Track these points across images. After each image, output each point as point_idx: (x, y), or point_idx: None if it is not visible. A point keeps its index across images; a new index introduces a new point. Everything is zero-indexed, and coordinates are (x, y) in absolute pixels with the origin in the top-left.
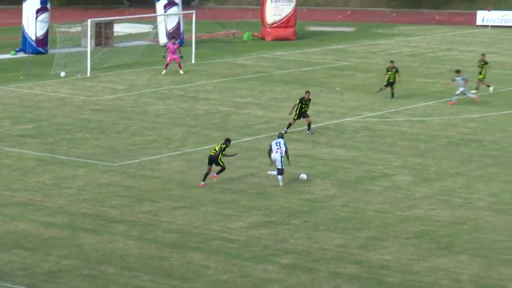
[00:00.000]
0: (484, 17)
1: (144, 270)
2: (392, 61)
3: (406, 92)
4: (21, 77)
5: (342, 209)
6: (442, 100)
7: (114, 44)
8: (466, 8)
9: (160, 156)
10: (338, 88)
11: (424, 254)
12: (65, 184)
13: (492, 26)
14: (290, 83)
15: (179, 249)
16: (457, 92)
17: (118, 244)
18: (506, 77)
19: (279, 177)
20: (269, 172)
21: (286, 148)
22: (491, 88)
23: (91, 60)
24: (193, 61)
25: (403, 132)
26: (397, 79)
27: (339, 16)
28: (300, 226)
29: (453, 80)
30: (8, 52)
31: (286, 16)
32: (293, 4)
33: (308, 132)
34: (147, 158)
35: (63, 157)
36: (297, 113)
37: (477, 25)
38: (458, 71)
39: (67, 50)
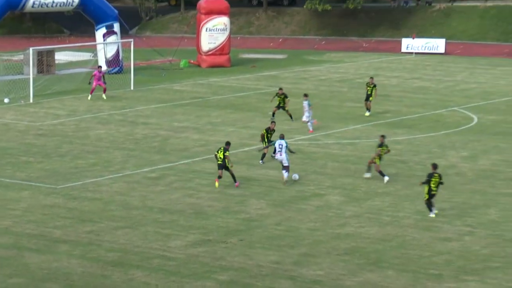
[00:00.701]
0: (409, 44)
1: (87, 287)
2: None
3: (336, 116)
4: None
5: (277, 227)
6: (370, 124)
7: (56, 72)
8: (391, 36)
9: (101, 178)
10: (270, 113)
11: (354, 269)
12: (10, 206)
13: (416, 53)
14: (226, 108)
15: (121, 267)
16: (304, 119)
17: (62, 263)
18: (428, 101)
19: (285, 173)
20: (285, 178)
21: (287, 145)
22: (367, 113)
23: (33, 87)
24: (132, 87)
25: (334, 154)
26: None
27: (271, 43)
28: (237, 244)
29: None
30: None
31: (221, 44)
32: (227, 33)
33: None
34: (89, 181)
35: (7, 180)
36: (265, 141)
37: (402, 52)
38: (305, 95)
39: (10, 77)
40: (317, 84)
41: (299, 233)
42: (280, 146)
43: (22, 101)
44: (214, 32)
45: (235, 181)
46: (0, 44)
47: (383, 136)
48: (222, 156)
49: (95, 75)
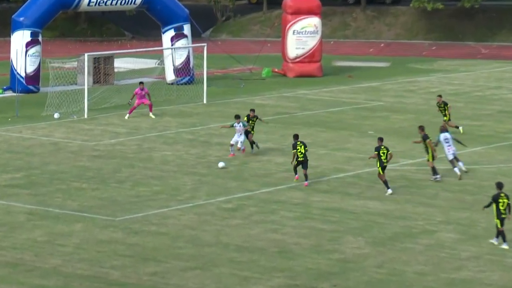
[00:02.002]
0: None
1: None
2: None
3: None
4: (9, 119)
5: (378, 270)
6: (491, 146)
7: (115, 82)
8: None
9: (167, 209)
10: (371, 132)
11: None
12: (59, 241)
13: None
14: (316, 125)
15: None
16: (232, 143)
17: None
18: None
19: (461, 164)
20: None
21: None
22: (460, 128)
23: (88, 100)
24: (204, 101)
25: (447, 182)
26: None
27: (371, 49)
28: None
29: (232, 126)
30: None
31: (311, 49)
32: (318, 36)
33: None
34: (152, 212)
35: (57, 210)
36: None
37: None
38: (237, 117)
39: (61, 88)
40: (426, 97)
41: (405, 277)
42: (447, 140)
43: (74, 116)
44: (302, 35)
45: (306, 179)
46: (51, 49)
47: (381, 140)
48: (303, 151)
49: (136, 93)
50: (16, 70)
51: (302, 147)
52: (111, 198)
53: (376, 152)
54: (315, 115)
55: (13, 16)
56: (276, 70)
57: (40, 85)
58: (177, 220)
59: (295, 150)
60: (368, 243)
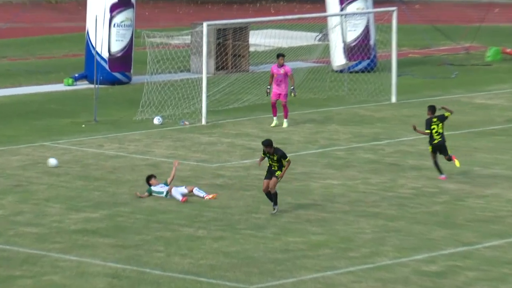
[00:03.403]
0: None
1: None
2: None
3: None
4: (83, 126)
5: None
6: None
7: (250, 68)
8: None
9: (333, 272)
10: None
11: None
12: None
13: None
14: None
15: None
16: None
17: None
18: None
19: None
20: None
21: None
22: None
23: (208, 96)
24: (393, 99)
25: None
26: None
27: None
28: None
29: None
30: (60, 81)
31: None
32: None
33: None
34: (309, 276)
35: (157, 272)
36: None
37: None
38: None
39: (165, 77)
40: None
41: None
42: None
43: (185, 122)
44: None
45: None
46: (147, 16)
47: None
48: (441, 131)
49: (272, 73)
50: (94, 49)
51: (440, 125)
52: (244, 254)
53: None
54: None
55: None
56: (509, 50)
57: (132, 72)
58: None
59: (429, 130)
60: None
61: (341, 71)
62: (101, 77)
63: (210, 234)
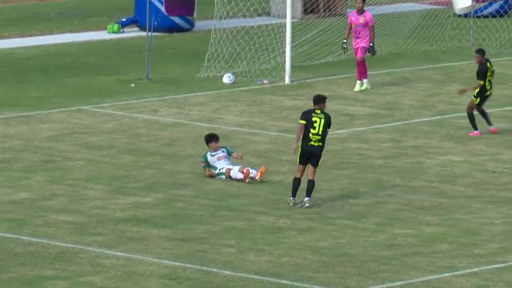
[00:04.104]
0: None
1: None
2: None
3: None
4: (132, 85)
5: None
6: None
7: (348, 10)
8: None
9: (451, 273)
10: None
11: None
12: None
13: None
14: None
15: None
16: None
17: None
18: None
19: None
20: None
21: None
22: None
23: (293, 48)
24: None
25: None
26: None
27: None
28: None
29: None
30: (103, 27)
31: None
32: None
33: None
34: (421, 279)
35: (226, 272)
36: None
37: None
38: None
39: (238, 22)
40: None
41: None
42: None
43: (263, 81)
44: None
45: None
46: None
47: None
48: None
49: (350, 22)
50: None
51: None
52: (338, 250)
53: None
54: None
55: None
56: None
57: (195, 16)
58: None
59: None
60: None
61: (465, 16)
62: (155, 22)
63: (294, 224)
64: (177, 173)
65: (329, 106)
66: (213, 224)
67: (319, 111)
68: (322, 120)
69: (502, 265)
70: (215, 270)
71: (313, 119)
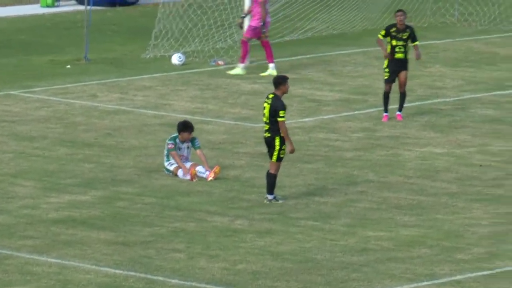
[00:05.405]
0: None
1: None
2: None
3: None
4: (69, 66)
5: None
6: None
7: None
8: None
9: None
10: None
11: None
12: None
13: None
14: None
15: None
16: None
17: None
18: None
19: None
20: None
21: None
22: None
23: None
24: None
25: None
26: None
27: None
28: None
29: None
30: (36, 1)
31: None
32: None
33: None
34: None
35: (174, 281)
36: None
37: None
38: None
39: None
40: None
41: None
42: None
43: (218, 62)
44: None
45: None
46: None
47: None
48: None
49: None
50: None
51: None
52: (303, 255)
53: None
54: None
55: None
56: None
57: None
58: None
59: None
60: None
61: None
62: None
63: (252, 226)
64: (119, 167)
65: (293, 90)
66: (160, 226)
67: (271, 96)
68: (268, 106)
69: (489, 272)
70: (161, 278)
71: (264, 105)
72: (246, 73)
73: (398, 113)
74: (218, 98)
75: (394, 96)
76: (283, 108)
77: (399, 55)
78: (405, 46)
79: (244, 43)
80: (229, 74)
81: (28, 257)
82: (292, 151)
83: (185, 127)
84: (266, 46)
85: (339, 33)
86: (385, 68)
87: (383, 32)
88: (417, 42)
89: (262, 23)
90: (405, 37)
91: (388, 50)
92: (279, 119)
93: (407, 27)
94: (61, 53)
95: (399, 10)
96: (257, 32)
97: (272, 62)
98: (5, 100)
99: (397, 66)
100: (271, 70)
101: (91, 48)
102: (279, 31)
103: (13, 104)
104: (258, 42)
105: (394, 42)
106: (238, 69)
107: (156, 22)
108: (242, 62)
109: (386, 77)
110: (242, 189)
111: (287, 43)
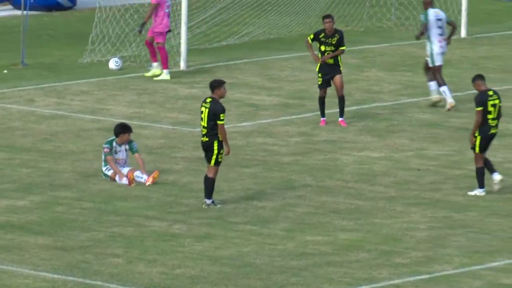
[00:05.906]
0: None
1: None
2: None
3: None
4: (5, 72)
5: None
6: None
7: None
8: None
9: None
10: None
11: None
12: None
13: None
14: None
15: None
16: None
17: None
18: None
19: None
20: None
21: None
22: None
23: (189, 29)
24: (463, 33)
25: None
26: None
27: None
28: None
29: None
30: None
31: None
32: None
33: None
34: None
35: (113, 286)
36: None
37: None
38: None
39: (125, 0)
40: None
41: None
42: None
43: (153, 67)
44: None
45: None
46: None
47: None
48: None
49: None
50: None
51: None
52: (241, 260)
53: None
54: None
55: None
56: None
57: None
58: None
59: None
60: None
61: None
62: (31, 1)
63: (191, 231)
64: (57, 172)
65: (231, 95)
66: (98, 231)
67: (209, 100)
68: (206, 110)
69: (427, 276)
70: (99, 283)
71: (201, 109)
72: (171, 77)
73: (340, 119)
74: (156, 102)
75: (333, 100)
76: (223, 111)
77: (329, 60)
78: (334, 51)
79: (161, 48)
80: (156, 80)
81: None
82: (227, 153)
83: (124, 128)
84: (149, 45)
85: (276, 37)
86: (318, 73)
87: (311, 36)
88: (344, 48)
89: (143, 22)
90: (334, 42)
91: (319, 55)
92: (219, 122)
93: (336, 31)
94: None
95: (327, 16)
96: (164, 35)
97: (156, 61)
98: None
99: (328, 71)
100: (155, 70)
101: (28, 53)
102: (217, 35)
103: None
104: (194, 47)
105: (322, 48)
106: (164, 75)
107: (93, 27)
108: (165, 67)
109: (319, 82)
110: (180, 194)
111: (224, 48)
